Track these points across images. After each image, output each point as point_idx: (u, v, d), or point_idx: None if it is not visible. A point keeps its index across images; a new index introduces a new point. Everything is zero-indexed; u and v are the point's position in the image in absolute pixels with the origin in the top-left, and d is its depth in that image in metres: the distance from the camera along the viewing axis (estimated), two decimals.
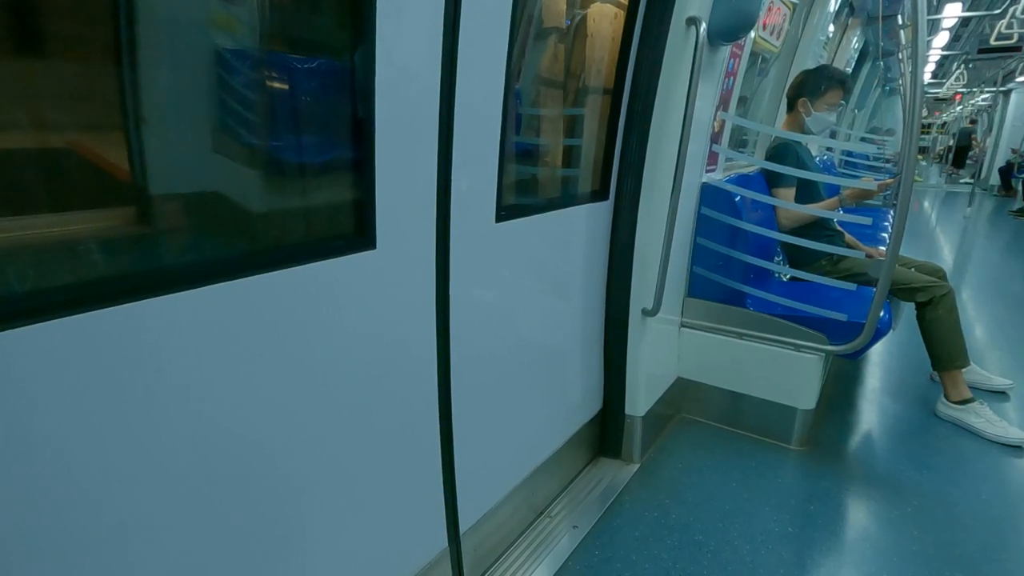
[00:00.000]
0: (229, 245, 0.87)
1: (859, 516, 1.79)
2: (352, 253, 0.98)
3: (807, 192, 2.43)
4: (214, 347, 0.80)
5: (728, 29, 1.75)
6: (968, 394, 2.27)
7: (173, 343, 0.75)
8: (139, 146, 0.73)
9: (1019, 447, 2.11)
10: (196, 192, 0.82)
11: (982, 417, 2.21)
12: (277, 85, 0.90)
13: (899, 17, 3.91)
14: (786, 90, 2.65)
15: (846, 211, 2.35)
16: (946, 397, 2.31)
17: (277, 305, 0.88)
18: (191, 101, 0.79)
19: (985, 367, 2.64)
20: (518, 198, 1.48)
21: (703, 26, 1.63)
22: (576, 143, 1.74)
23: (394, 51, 0.95)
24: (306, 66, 0.93)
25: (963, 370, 2.29)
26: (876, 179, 2.64)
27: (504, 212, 1.32)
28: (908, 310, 2.42)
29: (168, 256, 0.80)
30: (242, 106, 0.85)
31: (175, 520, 0.80)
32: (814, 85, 2.44)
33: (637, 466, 1.97)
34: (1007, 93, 11.63)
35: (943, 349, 2.26)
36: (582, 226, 1.71)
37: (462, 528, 1.35)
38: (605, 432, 2.01)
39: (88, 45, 0.69)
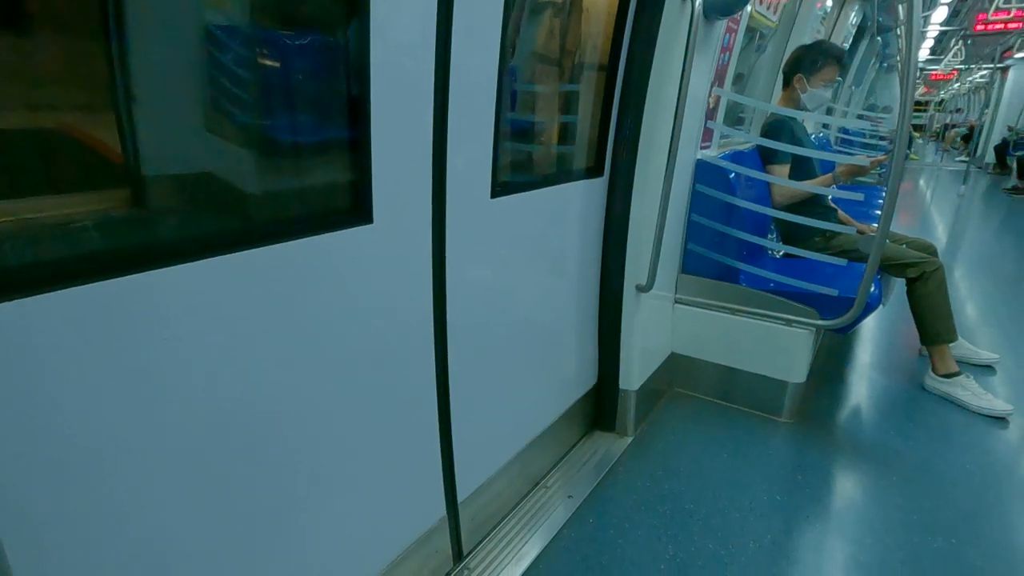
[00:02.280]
0: (229, 220, 0.88)
1: (846, 485, 1.84)
2: (349, 227, 0.99)
3: (802, 169, 2.44)
4: (215, 318, 0.82)
5: (724, 3, 1.74)
6: (955, 368, 2.32)
7: (174, 314, 0.77)
8: (131, 127, 0.73)
9: (1003, 419, 2.16)
10: (197, 172, 0.83)
11: (968, 390, 2.26)
12: (274, 63, 0.91)
13: None
14: (782, 66, 2.64)
15: (839, 188, 2.37)
16: (934, 371, 2.36)
17: (277, 277, 0.89)
18: (192, 80, 0.79)
19: (975, 342, 2.69)
20: (513, 174, 1.49)
21: (698, 0, 1.62)
22: (571, 119, 1.74)
23: (388, 28, 0.96)
24: (302, 43, 0.93)
25: (951, 344, 2.33)
26: (871, 156, 2.65)
27: (499, 188, 1.33)
28: (899, 286, 2.45)
29: (170, 230, 0.81)
30: (242, 85, 0.85)
31: (178, 486, 0.82)
32: (810, 61, 2.43)
33: (631, 439, 2.01)
34: (1005, 70, 11.57)
35: (931, 324, 2.30)
36: (577, 202, 1.72)
37: (460, 497, 1.39)
38: (600, 406, 2.04)
39: (76, 24, 0.68)
